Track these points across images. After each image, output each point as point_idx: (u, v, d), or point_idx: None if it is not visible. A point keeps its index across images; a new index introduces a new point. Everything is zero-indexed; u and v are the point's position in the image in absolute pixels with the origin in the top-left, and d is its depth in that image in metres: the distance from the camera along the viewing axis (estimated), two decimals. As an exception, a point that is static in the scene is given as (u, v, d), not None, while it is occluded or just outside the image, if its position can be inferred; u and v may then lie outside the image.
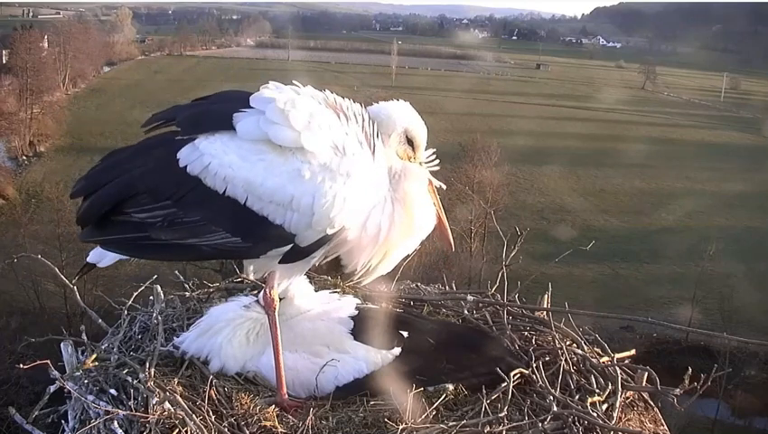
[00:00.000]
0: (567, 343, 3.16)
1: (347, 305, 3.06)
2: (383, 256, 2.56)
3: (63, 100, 44.10)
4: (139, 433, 2.43)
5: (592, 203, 32.76)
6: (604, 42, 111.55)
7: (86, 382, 2.74)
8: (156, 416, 2.42)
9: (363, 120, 2.51)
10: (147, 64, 66.40)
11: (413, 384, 2.63)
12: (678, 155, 39.08)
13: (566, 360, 2.94)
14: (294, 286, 2.91)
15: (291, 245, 2.44)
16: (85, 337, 3.07)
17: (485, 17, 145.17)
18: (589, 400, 2.73)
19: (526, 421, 2.58)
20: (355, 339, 2.88)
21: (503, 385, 2.67)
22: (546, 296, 3.44)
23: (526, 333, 3.34)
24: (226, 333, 2.89)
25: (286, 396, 2.72)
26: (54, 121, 38.89)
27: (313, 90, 2.55)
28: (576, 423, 2.56)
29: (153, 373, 2.65)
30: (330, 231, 2.41)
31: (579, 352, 3.08)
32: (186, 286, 3.72)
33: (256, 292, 3.29)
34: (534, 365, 2.84)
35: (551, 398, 2.65)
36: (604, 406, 2.72)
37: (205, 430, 2.38)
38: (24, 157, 36.18)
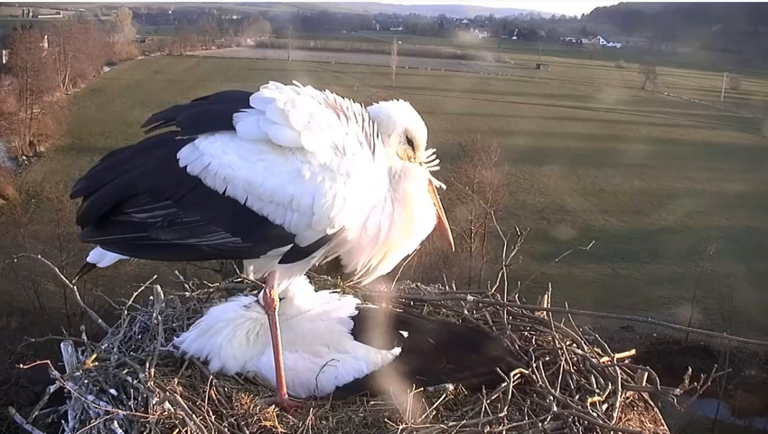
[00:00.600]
0: (567, 343, 3.16)
1: (347, 305, 3.06)
2: (383, 256, 2.56)
3: (63, 100, 44.09)
4: (139, 433, 2.43)
5: (592, 203, 32.76)
6: (604, 42, 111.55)
7: (86, 382, 2.74)
8: (156, 416, 2.42)
9: (363, 120, 2.51)
10: (147, 64, 66.40)
11: (413, 384, 2.63)
12: (678, 155, 39.08)
13: (566, 360, 2.94)
14: (294, 286, 2.91)
15: (291, 245, 2.44)
16: (85, 337, 3.07)
17: (485, 17, 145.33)
18: (589, 400, 2.73)
19: (526, 421, 2.58)
20: (355, 339, 2.88)
21: (503, 385, 2.67)
22: (546, 296, 3.43)
23: (526, 333, 3.34)
24: (226, 333, 2.89)
25: (286, 396, 2.72)
26: (54, 121, 38.88)
27: (313, 90, 2.55)
28: (576, 423, 2.56)
29: (153, 373, 2.65)
30: (330, 231, 2.41)
31: (579, 352, 3.08)
32: (186, 286, 3.72)
33: (256, 292, 3.28)
34: (534, 365, 2.84)
35: (551, 398, 2.65)
36: (604, 406, 2.72)
37: (205, 430, 2.38)
38: (24, 157, 36.18)
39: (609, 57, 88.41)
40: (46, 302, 19.30)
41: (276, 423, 2.51)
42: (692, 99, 62.32)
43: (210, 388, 2.62)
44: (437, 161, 2.68)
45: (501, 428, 2.50)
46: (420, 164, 2.65)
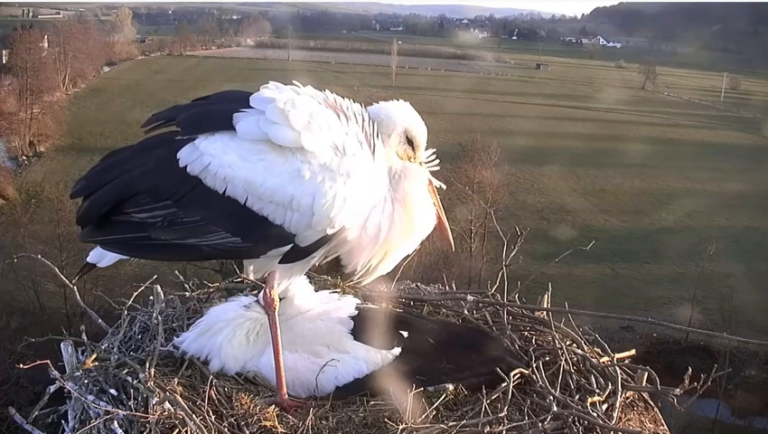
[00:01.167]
0: (567, 343, 3.16)
1: (347, 305, 3.06)
2: (383, 256, 2.56)
3: (63, 100, 44.09)
4: (139, 433, 2.43)
5: (592, 203, 32.74)
6: (604, 42, 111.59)
7: (86, 382, 2.74)
8: (156, 416, 2.42)
9: (363, 120, 2.51)
10: (147, 64, 66.39)
11: (413, 384, 2.63)
12: (678, 155, 39.08)
13: (566, 360, 2.94)
14: (294, 286, 2.91)
15: (291, 245, 2.44)
16: (85, 337, 3.07)
17: (485, 17, 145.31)
18: (589, 400, 2.72)
19: (526, 421, 2.58)
20: (355, 339, 2.88)
21: (503, 385, 2.67)
22: (546, 296, 3.43)
23: (526, 333, 3.34)
24: (226, 333, 2.89)
25: (286, 396, 2.72)
26: (54, 121, 38.87)
27: (312, 90, 2.55)
28: (576, 423, 2.56)
29: (153, 373, 2.65)
30: (330, 231, 2.41)
31: (579, 352, 3.08)
32: (186, 286, 3.72)
33: (256, 292, 3.28)
34: (534, 365, 2.84)
35: (551, 398, 2.65)
36: (604, 406, 2.72)
37: (205, 430, 2.38)
38: (24, 157, 36.15)
39: (609, 57, 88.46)
40: (46, 302, 19.30)
41: (276, 423, 2.51)
42: (692, 99, 62.31)
43: (210, 388, 2.62)
44: (437, 161, 2.68)
45: (500, 428, 2.50)
46: (420, 164, 2.64)
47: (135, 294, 3.51)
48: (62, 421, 2.84)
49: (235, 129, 2.42)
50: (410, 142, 2.62)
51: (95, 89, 51.82)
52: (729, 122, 52.28)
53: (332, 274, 3.73)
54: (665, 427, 2.88)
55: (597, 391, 2.81)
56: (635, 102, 54.47)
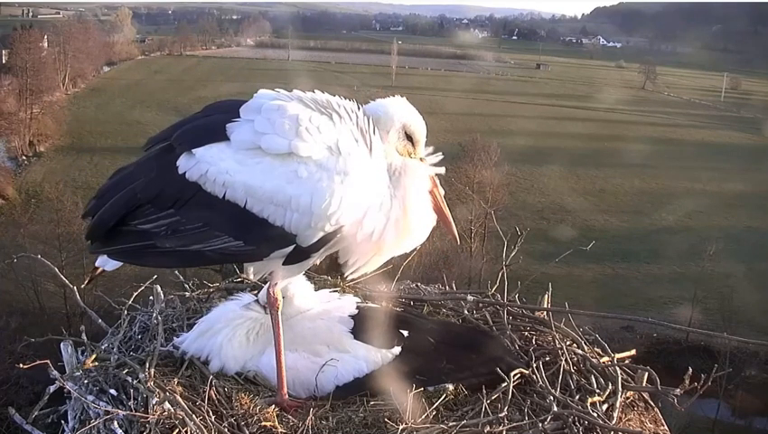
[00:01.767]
0: (568, 343, 3.16)
1: (347, 304, 3.05)
2: (383, 252, 2.56)
3: (63, 100, 44.11)
4: (139, 433, 2.43)
5: (592, 203, 32.74)
6: (604, 42, 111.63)
7: (86, 382, 2.74)
8: (156, 416, 2.42)
9: (357, 118, 2.51)
10: (147, 64, 66.40)
11: (413, 384, 2.63)
12: (678, 155, 39.07)
13: (566, 360, 2.94)
14: (293, 285, 2.91)
15: (293, 246, 2.45)
16: (85, 337, 3.07)
17: (485, 17, 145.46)
18: (589, 400, 2.72)
19: (526, 421, 2.58)
20: (355, 338, 2.87)
21: (503, 385, 2.67)
22: (546, 296, 3.43)
23: (526, 333, 3.34)
24: (226, 333, 2.89)
25: (287, 396, 2.72)
26: (54, 121, 38.88)
27: (301, 93, 2.55)
28: (577, 423, 2.56)
29: (153, 373, 2.65)
30: (330, 230, 2.41)
31: (579, 352, 3.08)
32: (186, 286, 3.72)
33: (256, 292, 3.28)
34: (534, 365, 2.84)
35: (551, 398, 2.65)
36: (605, 406, 2.72)
37: (205, 430, 2.38)
38: (24, 157, 36.15)
39: (609, 57, 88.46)
40: (46, 302, 19.31)
41: (276, 423, 2.51)
42: (692, 99, 62.31)
43: (210, 388, 2.62)
44: (439, 154, 2.66)
45: (501, 428, 2.50)
46: (421, 159, 2.63)
47: (135, 294, 3.52)
48: (62, 421, 2.84)
49: (229, 139, 2.45)
50: (409, 138, 2.60)
51: (95, 88, 51.84)
52: (729, 122, 52.28)
53: (332, 274, 3.73)
54: (665, 427, 2.88)
55: (597, 391, 2.80)
56: (635, 102, 54.48)
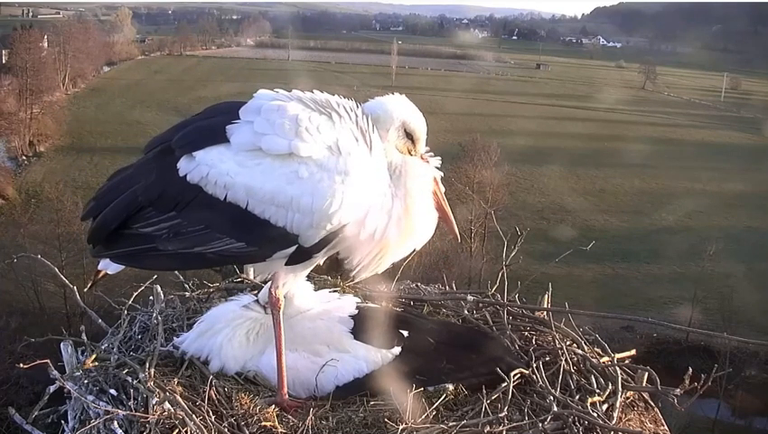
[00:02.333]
0: (568, 343, 3.16)
1: (347, 304, 3.05)
2: (385, 251, 2.55)
3: (63, 100, 44.10)
4: (139, 433, 2.43)
5: (592, 203, 32.74)
6: (604, 42, 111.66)
7: (86, 382, 2.74)
8: (156, 416, 2.42)
9: (357, 117, 2.50)
10: (147, 64, 66.41)
11: (413, 384, 2.63)
12: (678, 155, 39.07)
13: (566, 360, 2.94)
14: (294, 285, 2.90)
15: (296, 246, 2.45)
16: (85, 337, 3.07)
17: (485, 17, 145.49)
18: (589, 400, 2.72)
19: (526, 421, 2.58)
20: (355, 338, 2.87)
21: (503, 385, 2.67)
22: (546, 296, 3.43)
23: (526, 333, 3.34)
24: (226, 333, 2.89)
25: (287, 396, 2.72)
26: (54, 121, 38.88)
27: (300, 93, 2.55)
28: (577, 423, 2.56)
29: (153, 373, 2.65)
30: (332, 229, 2.41)
31: (579, 352, 3.08)
32: (186, 286, 3.72)
33: (256, 292, 3.28)
34: (534, 365, 2.84)
35: (551, 398, 2.65)
36: (605, 406, 2.72)
37: (205, 430, 2.38)
38: (24, 157, 36.15)
39: (609, 57, 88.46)
40: (46, 302, 19.30)
41: (276, 423, 2.51)
42: (692, 99, 62.32)
43: (210, 388, 2.62)
44: (439, 159, 2.66)
45: (501, 428, 2.50)
46: (422, 157, 2.63)
47: (135, 294, 3.52)
48: (62, 421, 2.84)
49: (229, 141, 2.44)
50: (409, 135, 2.60)
51: (95, 88, 51.85)
52: (729, 122, 52.28)
53: (332, 274, 3.73)
54: (665, 427, 2.88)
55: (597, 391, 2.80)
56: (635, 102, 54.48)
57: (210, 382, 2.65)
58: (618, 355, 3.04)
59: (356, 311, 2.99)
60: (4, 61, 43.81)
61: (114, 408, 2.52)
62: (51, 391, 2.78)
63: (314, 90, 2.58)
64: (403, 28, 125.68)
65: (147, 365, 2.70)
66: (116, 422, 2.46)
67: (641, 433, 2.68)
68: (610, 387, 2.81)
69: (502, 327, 3.30)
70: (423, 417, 2.52)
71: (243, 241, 2.45)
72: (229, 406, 2.60)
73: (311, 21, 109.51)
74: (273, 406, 2.62)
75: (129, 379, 2.68)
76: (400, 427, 2.43)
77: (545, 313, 3.35)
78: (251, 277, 3.64)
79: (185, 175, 2.45)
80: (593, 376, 2.92)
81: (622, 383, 2.83)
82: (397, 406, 2.57)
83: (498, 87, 61.10)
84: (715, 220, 30.71)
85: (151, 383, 2.58)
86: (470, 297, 3.54)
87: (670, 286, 24.24)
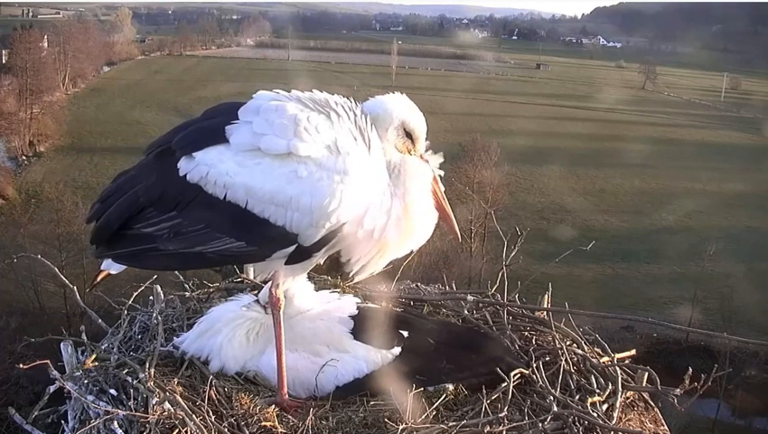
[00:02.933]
0: (568, 343, 3.16)
1: (347, 304, 3.05)
2: (384, 251, 2.55)
3: (63, 100, 44.11)
4: (139, 433, 2.43)
5: (592, 203, 32.74)
6: (604, 42, 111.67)
7: (86, 382, 2.74)
8: (156, 416, 2.42)
9: (356, 116, 2.51)
10: (147, 64, 66.41)
11: (413, 384, 2.63)
12: (678, 155, 39.07)
13: (566, 360, 2.94)
14: (294, 285, 2.90)
15: (295, 246, 2.45)
16: (85, 337, 3.07)
17: (485, 17, 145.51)
18: (589, 400, 2.72)
19: (526, 421, 2.58)
20: (355, 338, 2.87)
21: (503, 385, 2.67)
22: (546, 296, 3.43)
23: (526, 333, 3.34)
24: (226, 333, 2.89)
25: (287, 396, 2.72)
26: (54, 121, 38.89)
27: (299, 93, 2.55)
28: (577, 423, 2.56)
29: (153, 373, 2.65)
30: (331, 228, 2.41)
31: (579, 352, 3.08)
32: (186, 286, 3.72)
33: (256, 292, 3.28)
34: (534, 365, 2.84)
35: (551, 398, 2.65)
36: (605, 406, 2.72)
37: (205, 430, 2.38)
38: (24, 157, 36.15)
39: (609, 57, 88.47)
40: (46, 302, 19.30)
41: (276, 423, 2.51)
42: (692, 99, 62.32)
43: (210, 388, 2.62)
44: (440, 154, 2.66)
45: (501, 428, 2.50)
46: (421, 156, 2.62)
47: (135, 294, 3.52)
48: (62, 421, 2.84)
49: (229, 141, 2.45)
50: (409, 135, 2.59)
51: (95, 88, 51.86)
52: (729, 122, 52.28)
53: (332, 274, 3.73)
54: (665, 427, 2.88)
55: (597, 391, 2.80)
56: (635, 102, 54.48)
57: (210, 382, 2.65)
58: (618, 355, 3.04)
59: (356, 311, 2.99)
60: (4, 61, 43.83)
61: (114, 408, 2.52)
62: (51, 391, 2.78)
63: (314, 90, 2.58)
64: (403, 28, 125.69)
65: (147, 365, 2.70)
66: (116, 422, 2.46)
67: (641, 433, 2.68)
68: (610, 387, 2.81)
69: (502, 327, 3.30)
70: (423, 417, 2.52)
71: (243, 241, 2.45)
72: (229, 406, 2.60)
73: (311, 21, 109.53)
74: (273, 406, 2.62)
75: (129, 379, 2.68)
76: (400, 427, 2.43)
77: (545, 313, 3.35)
78: (251, 277, 3.64)
79: (185, 175, 2.46)
80: (593, 376, 2.92)
81: (622, 383, 2.83)
82: (397, 406, 2.57)
83: (498, 87, 61.10)
84: (715, 220, 30.71)
85: (151, 383, 2.58)
86: (470, 297, 3.55)
87: (670, 286, 24.24)
